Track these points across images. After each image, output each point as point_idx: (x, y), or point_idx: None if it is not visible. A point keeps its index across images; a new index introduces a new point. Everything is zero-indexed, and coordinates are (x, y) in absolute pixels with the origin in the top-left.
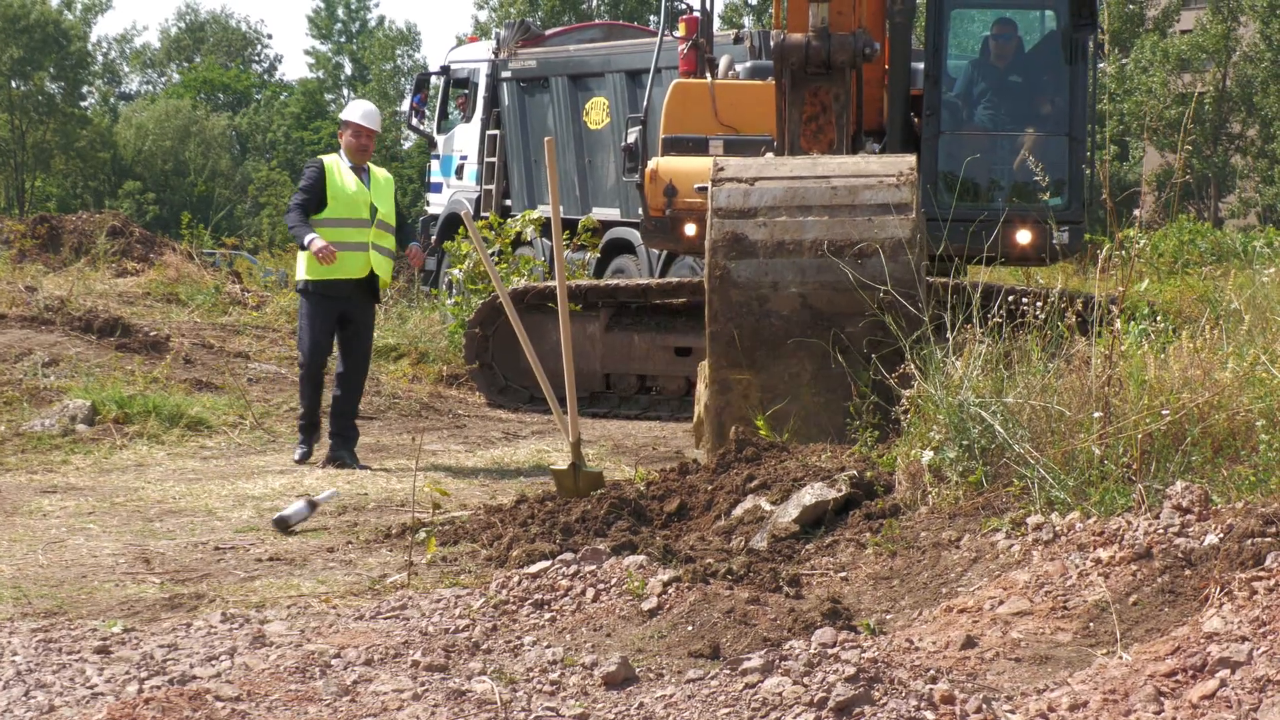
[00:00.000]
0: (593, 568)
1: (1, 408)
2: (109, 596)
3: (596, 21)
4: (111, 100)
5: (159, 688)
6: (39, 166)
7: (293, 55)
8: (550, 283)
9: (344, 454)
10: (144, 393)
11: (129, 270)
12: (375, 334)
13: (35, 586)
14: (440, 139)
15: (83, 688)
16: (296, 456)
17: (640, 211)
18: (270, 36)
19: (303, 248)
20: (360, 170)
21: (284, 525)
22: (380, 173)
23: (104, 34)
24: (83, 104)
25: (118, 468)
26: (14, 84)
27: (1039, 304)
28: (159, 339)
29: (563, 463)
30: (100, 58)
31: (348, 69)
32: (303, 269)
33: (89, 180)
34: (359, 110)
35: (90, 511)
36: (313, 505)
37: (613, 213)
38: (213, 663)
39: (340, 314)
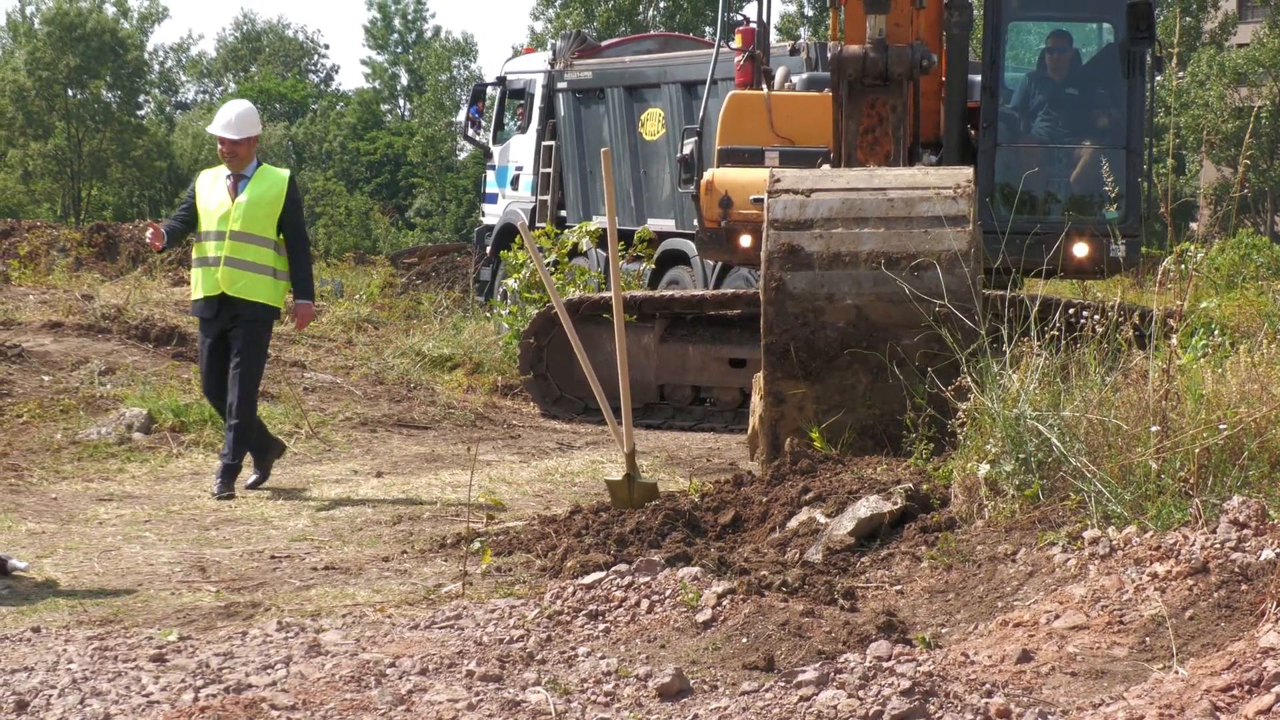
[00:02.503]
0: (647, 579)
1: (58, 416)
2: (165, 605)
3: (652, 33)
4: (168, 109)
5: (214, 696)
6: (95, 175)
7: (349, 65)
8: (605, 294)
9: (220, 484)
10: (200, 401)
11: (185, 279)
12: (430, 344)
13: (91, 594)
14: (496, 150)
15: (138, 696)
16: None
17: (695, 223)
18: (327, 47)
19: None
20: (240, 178)
21: None
22: (269, 174)
23: (160, 43)
24: (139, 113)
25: (174, 476)
26: (70, 93)
27: (1096, 317)
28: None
29: (617, 474)
30: (157, 67)
31: (404, 79)
32: None
33: (145, 189)
34: (217, 121)
35: (146, 520)
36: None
37: (668, 224)
38: (268, 671)
39: (221, 336)
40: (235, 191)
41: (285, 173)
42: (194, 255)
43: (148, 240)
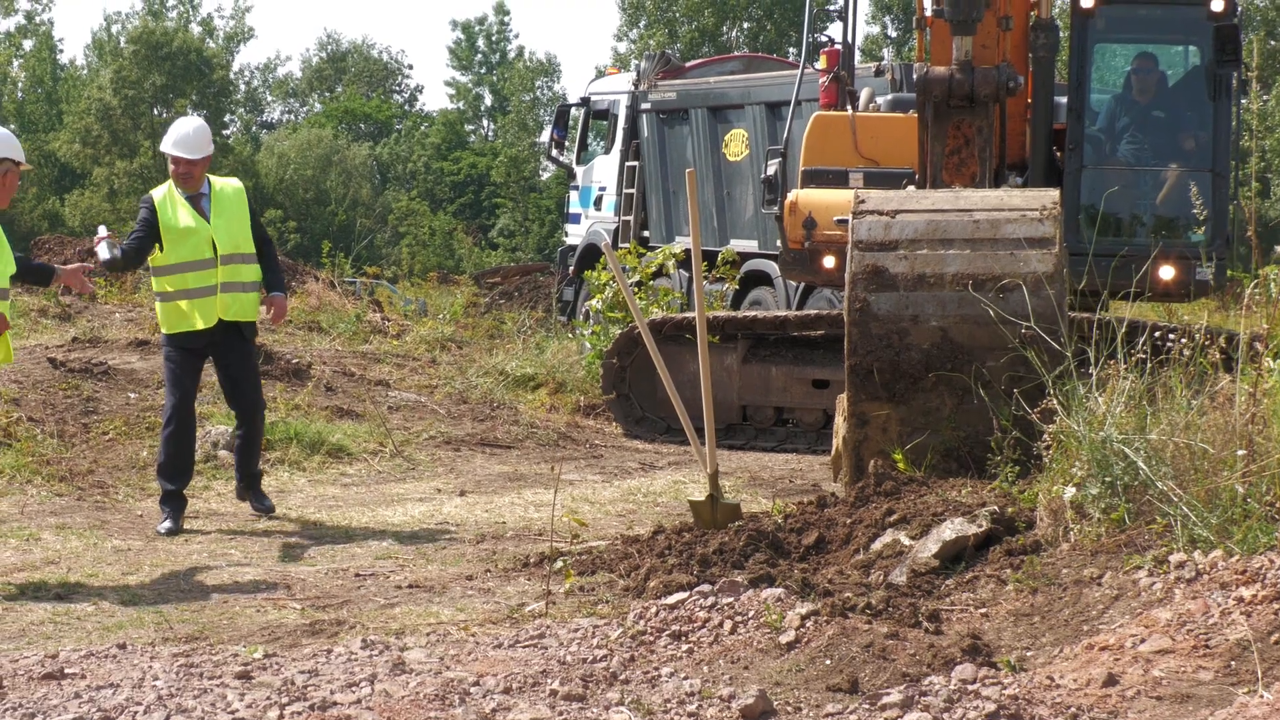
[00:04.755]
0: (730, 600)
1: (144, 433)
2: (250, 622)
3: (736, 54)
4: (253, 129)
5: (300, 714)
6: None
7: (433, 86)
8: (688, 314)
9: (252, 495)
10: (285, 419)
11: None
12: (513, 364)
13: (177, 611)
14: (579, 170)
15: (224, 713)
16: (162, 530)
17: (779, 244)
18: (411, 67)
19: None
20: (198, 198)
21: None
22: (226, 189)
23: (246, 63)
24: (225, 133)
25: None
26: (156, 111)
27: (1183, 340)
28: (300, 366)
29: (700, 494)
30: (242, 86)
31: (488, 100)
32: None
33: None
34: (170, 138)
35: (231, 537)
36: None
37: (751, 244)
38: (353, 689)
39: (207, 361)
40: (203, 214)
41: (237, 183)
42: (168, 288)
43: (94, 268)
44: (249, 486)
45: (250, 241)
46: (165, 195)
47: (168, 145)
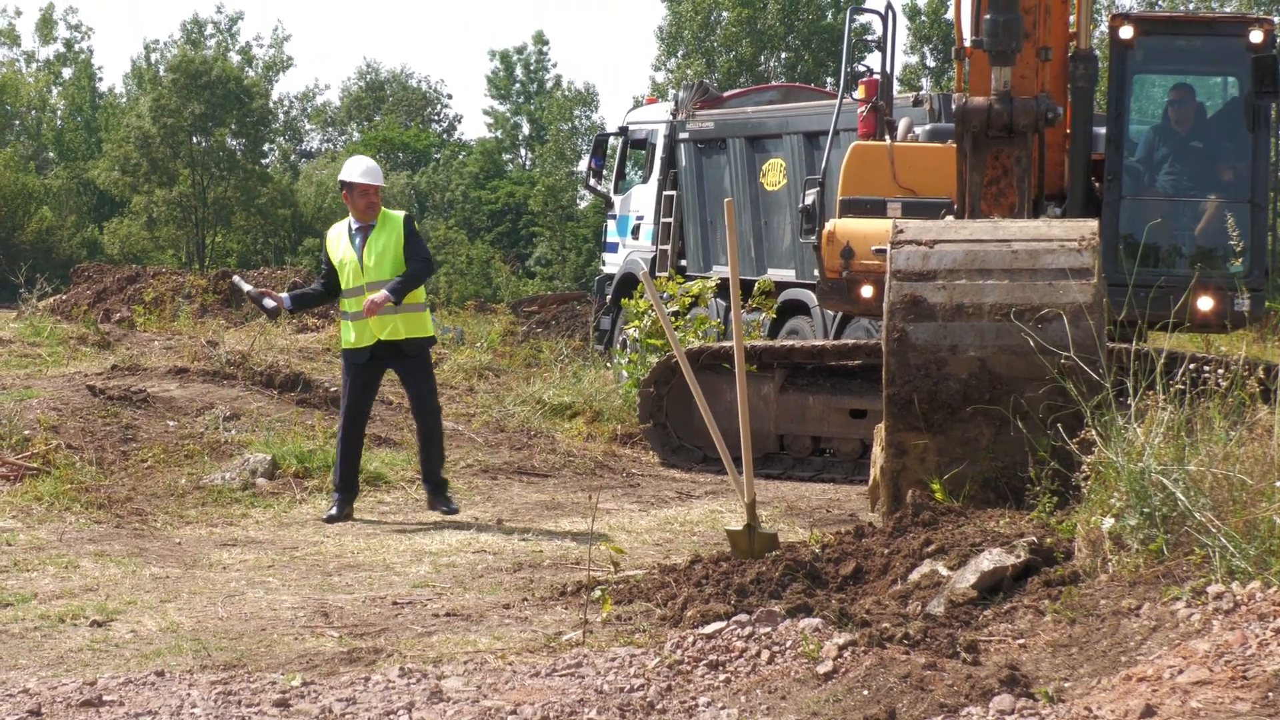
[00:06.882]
0: (768, 629)
1: (183, 461)
2: (288, 649)
3: (774, 83)
4: (292, 158)
5: None
6: (219, 222)
7: (472, 115)
8: (725, 343)
9: (439, 502)
10: (324, 447)
11: (309, 326)
12: (551, 392)
13: (215, 639)
14: (617, 199)
15: None
16: (325, 517)
17: (816, 273)
18: (450, 96)
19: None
20: (366, 229)
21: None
22: (389, 219)
23: (285, 92)
24: (264, 161)
25: (297, 522)
26: (195, 140)
27: (1221, 371)
28: (338, 394)
29: (737, 523)
30: (281, 115)
31: (526, 129)
32: None
33: (269, 237)
34: (359, 169)
35: (269, 565)
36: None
37: (788, 274)
38: (390, 717)
39: (383, 374)
40: (361, 245)
41: (401, 214)
42: (344, 309)
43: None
44: (432, 492)
45: (400, 265)
46: (335, 233)
47: (356, 175)
